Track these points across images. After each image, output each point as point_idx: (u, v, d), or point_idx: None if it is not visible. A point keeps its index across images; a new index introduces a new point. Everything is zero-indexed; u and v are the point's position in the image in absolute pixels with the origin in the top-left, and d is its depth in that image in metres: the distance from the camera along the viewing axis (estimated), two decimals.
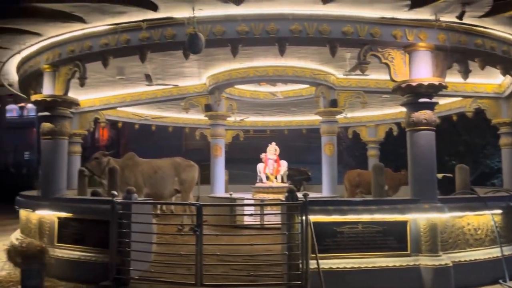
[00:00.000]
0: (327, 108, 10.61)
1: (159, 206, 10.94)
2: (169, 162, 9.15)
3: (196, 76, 10.45)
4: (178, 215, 9.77)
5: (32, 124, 39.59)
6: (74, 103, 7.23)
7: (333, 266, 5.46)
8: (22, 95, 10.12)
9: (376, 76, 9.59)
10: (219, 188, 11.33)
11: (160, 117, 14.92)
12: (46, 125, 6.96)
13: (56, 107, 7.00)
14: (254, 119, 15.81)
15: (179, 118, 15.60)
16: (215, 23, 5.78)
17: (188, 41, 5.36)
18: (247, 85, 11.50)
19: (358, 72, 7.07)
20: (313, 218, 5.39)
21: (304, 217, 5.27)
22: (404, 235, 5.79)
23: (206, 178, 11.79)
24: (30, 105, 40.32)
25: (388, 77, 6.42)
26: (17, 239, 7.31)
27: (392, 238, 5.75)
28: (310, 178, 15.17)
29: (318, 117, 11.34)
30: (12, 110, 42.76)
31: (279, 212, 6.42)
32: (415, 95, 6.06)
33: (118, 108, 13.12)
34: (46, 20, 5.79)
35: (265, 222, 9.08)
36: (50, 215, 6.72)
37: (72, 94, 7.28)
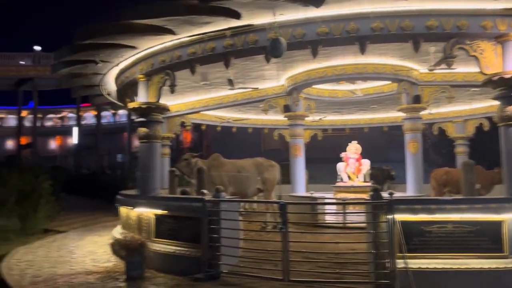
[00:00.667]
0: (410, 104, 10.27)
1: (242, 204, 11.36)
2: (252, 162, 9.53)
3: (275, 78, 10.70)
4: (261, 213, 10.06)
5: (123, 129, 42.88)
6: (165, 109, 7.83)
7: (422, 266, 5.34)
8: (119, 103, 11.11)
9: (463, 69, 9.12)
10: (300, 187, 11.47)
11: (240, 119, 15.42)
12: (142, 130, 7.62)
13: (150, 113, 7.63)
14: (332, 118, 15.71)
15: (258, 119, 16.03)
16: (296, 27, 5.94)
17: (270, 46, 5.58)
18: (325, 84, 11.50)
19: (443, 66, 6.79)
20: (399, 217, 5.33)
21: (390, 216, 5.22)
22: (500, 236, 5.48)
23: (285, 177, 12.01)
24: (122, 112, 43.77)
25: (477, 70, 6.12)
26: (120, 234, 8.06)
27: (486, 239, 5.47)
28: (394, 177, 14.72)
29: (400, 114, 11.01)
30: (106, 117, 46.70)
31: (363, 211, 6.40)
32: (509, 88, 5.71)
33: (202, 112, 13.85)
34: (141, 34, 6.36)
35: (347, 221, 9.07)
36: (147, 212, 7.35)
37: (161, 101, 7.89)
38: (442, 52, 5.99)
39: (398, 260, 5.24)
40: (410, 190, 10.44)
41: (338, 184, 11.19)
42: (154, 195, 7.41)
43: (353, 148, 11.27)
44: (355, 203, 7.85)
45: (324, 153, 22.26)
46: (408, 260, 5.25)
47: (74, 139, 36.04)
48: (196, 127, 30.88)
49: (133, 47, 7.05)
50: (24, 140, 31.52)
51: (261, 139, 28.04)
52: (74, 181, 27.07)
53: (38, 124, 49.60)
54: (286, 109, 11.47)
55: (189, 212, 6.62)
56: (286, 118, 11.93)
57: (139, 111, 7.64)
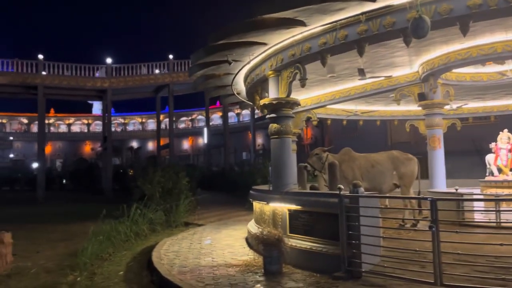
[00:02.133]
0: None
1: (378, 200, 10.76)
2: (386, 156, 8.94)
3: (407, 65, 9.91)
4: (399, 209, 9.38)
5: (247, 128, 44.75)
6: (296, 104, 7.75)
7: None
8: (248, 102, 11.44)
9: None
10: (440, 182, 10.47)
11: (367, 111, 14.75)
12: (273, 126, 7.65)
13: (280, 109, 7.63)
14: (473, 105, 14.10)
15: (387, 111, 15.14)
16: (440, 2, 5.31)
17: (412, 26, 5.07)
18: (467, 68, 10.30)
19: None
20: None
21: None
22: None
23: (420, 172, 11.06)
24: (245, 112, 45.70)
25: None
26: (257, 228, 8.22)
27: None
28: None
29: None
30: (231, 117, 49.26)
31: None
32: None
33: (328, 106, 13.55)
34: (272, 29, 6.35)
35: (502, 221, 7.96)
36: (281, 207, 7.36)
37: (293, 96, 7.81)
38: None
39: None
40: None
41: (487, 178, 9.93)
42: (287, 190, 7.39)
43: (505, 138, 9.86)
44: None
45: (463, 145, 20.19)
46: None
47: (204, 139, 38.60)
48: (318, 123, 30.70)
49: (263, 44, 7.10)
50: (162, 142, 34.78)
51: (387, 132, 26.62)
52: (206, 178, 28.97)
53: (173, 126, 54.64)
54: (421, 97, 10.55)
55: (325, 208, 6.42)
56: (421, 108, 10.99)
57: (270, 107, 7.69)
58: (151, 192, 13.58)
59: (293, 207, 7.12)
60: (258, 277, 6.29)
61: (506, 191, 9.23)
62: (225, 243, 9.28)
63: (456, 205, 8.66)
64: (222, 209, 16.90)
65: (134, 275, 7.46)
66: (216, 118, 52.56)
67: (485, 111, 14.60)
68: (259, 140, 45.65)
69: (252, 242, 8.08)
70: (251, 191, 9.22)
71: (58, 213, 17.53)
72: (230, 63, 7.62)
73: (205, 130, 35.72)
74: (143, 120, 60.81)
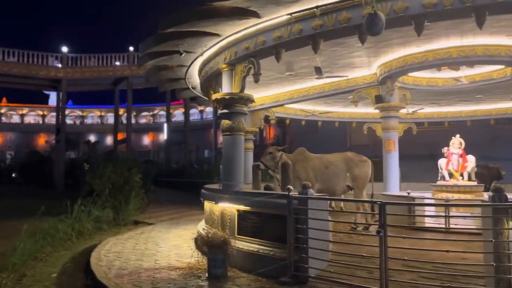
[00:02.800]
0: None
1: (328, 202, 10.65)
2: (340, 157, 8.78)
3: (365, 66, 9.84)
4: (351, 213, 9.28)
5: (210, 125, 44.15)
6: (249, 100, 7.43)
7: None
8: (203, 96, 11.04)
9: None
10: (393, 185, 10.45)
11: (326, 112, 14.68)
12: (225, 122, 7.30)
13: (233, 105, 7.29)
14: (429, 110, 14.31)
15: (345, 112, 15.15)
16: (396, 0, 5.15)
17: (367, 22, 4.87)
18: (424, 72, 10.36)
19: None
20: None
21: None
22: None
23: (376, 175, 11.03)
24: (208, 109, 45.13)
25: None
26: (203, 229, 7.86)
27: None
28: (502, 176, 12.97)
29: (508, 105, 9.45)
30: (194, 114, 48.46)
31: (477, 214, 5.41)
32: None
33: (287, 105, 13.35)
34: (224, 18, 6.01)
35: (452, 226, 7.98)
36: (230, 208, 7.02)
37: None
38: None
39: None
40: None
41: (438, 183, 9.99)
42: (237, 190, 7.06)
43: (457, 143, 9.97)
44: (470, 205, 6.78)
45: (417, 149, 20.57)
46: None
47: (164, 135, 37.77)
48: (279, 123, 30.59)
49: (216, 35, 6.75)
50: (120, 136, 33.68)
51: (347, 134, 26.89)
52: (164, 175, 28.23)
53: (133, 121, 53.19)
54: (378, 99, 10.51)
55: (273, 209, 6.14)
56: (378, 110, 10.96)
57: (222, 102, 7.34)
58: (100, 188, 12.89)
59: (242, 207, 6.79)
60: (200, 281, 5.93)
61: (456, 196, 9.30)
62: (173, 243, 8.85)
63: (408, 209, 8.63)
64: (177, 207, 16.40)
65: (68, 277, 6.91)
66: (178, 114, 51.53)
67: (440, 116, 14.88)
68: (222, 138, 45.13)
69: (199, 243, 7.69)
70: (202, 190, 8.84)
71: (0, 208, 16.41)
72: (181, 54, 7.22)
73: (165, 125, 34.96)
74: (102, 114, 58.78)
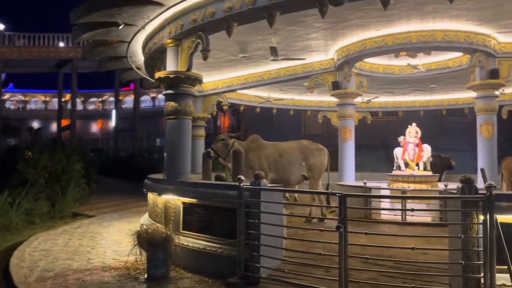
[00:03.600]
0: (485, 80, 8.72)
1: (282, 194, 10.14)
2: (295, 145, 8.24)
3: (322, 50, 9.36)
4: (305, 205, 8.83)
5: (162, 113, 42.58)
6: (197, 80, 6.69)
7: None
8: (148, 78, 10.12)
9: None
10: (349, 175, 10.12)
11: (281, 100, 14.18)
12: (170, 104, 6.53)
13: (179, 85, 6.52)
14: (384, 99, 14.15)
15: (300, 100, 14.71)
16: None
17: None
18: (381, 59, 10.05)
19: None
20: (501, 218, 3.96)
21: (488, 216, 3.86)
22: None
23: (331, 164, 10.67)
24: (161, 96, 43.48)
25: None
26: (144, 224, 7.09)
27: None
28: (453, 166, 13.05)
29: (462, 95, 9.32)
30: (146, 101, 46.71)
31: (448, 208, 5.06)
32: None
33: (241, 91, 12.70)
34: None
35: (408, 216, 7.73)
36: (175, 200, 6.30)
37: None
38: None
39: (498, 275, 3.89)
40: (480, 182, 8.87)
41: (394, 172, 9.76)
42: (182, 180, 6.34)
43: (413, 132, 9.74)
44: (438, 197, 6.44)
45: (369, 140, 20.56)
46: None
47: (113, 122, 36.00)
48: (234, 111, 29.91)
49: (159, 4, 5.93)
50: (65, 123, 31.65)
51: (301, 123, 26.59)
52: (112, 164, 26.86)
53: (81, 107, 50.58)
54: (335, 86, 10.09)
55: (222, 201, 5.50)
56: (334, 97, 10.54)
57: (166, 81, 6.54)
58: (34, 177, 11.70)
59: (188, 199, 6.10)
60: (137, 284, 5.21)
61: (412, 186, 9.09)
62: (112, 239, 8.02)
63: (364, 200, 8.29)
64: (122, 198, 15.38)
65: None
66: (129, 101, 49.34)
67: (393, 106, 14.77)
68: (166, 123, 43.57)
69: (140, 239, 6.91)
70: (145, 180, 8.04)
71: None
72: (120, 26, 6.33)
73: (114, 112, 33.27)
74: (47, 99, 55.28)
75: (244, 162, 7.34)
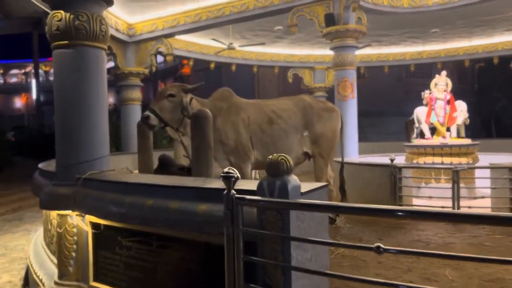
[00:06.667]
0: None
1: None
2: (292, 104, 4.94)
3: None
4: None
5: None
6: None
7: None
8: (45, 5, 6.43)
9: None
10: (352, 148, 7.22)
11: (242, 52, 10.94)
12: (56, 16, 3.12)
13: None
14: (368, 52, 11.39)
15: (265, 53, 11.50)
16: None
17: None
18: None
19: None
20: None
21: None
22: None
23: None
24: None
25: None
26: (46, 254, 3.75)
27: None
28: None
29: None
30: None
31: None
32: None
33: (190, 39, 9.37)
34: None
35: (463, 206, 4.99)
36: (77, 218, 3.00)
37: (126, 13, 3.41)
38: None
39: None
40: None
41: (417, 142, 6.94)
42: (89, 174, 3.02)
43: (442, 83, 6.83)
44: None
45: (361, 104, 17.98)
46: None
47: (33, 94, 31.00)
48: (179, 77, 25.92)
49: None
50: None
51: (254, 87, 23.17)
52: (34, 143, 23.18)
53: (1, 80, 44.25)
54: (329, 20, 7.00)
55: (185, 225, 2.29)
56: (327, 38, 7.42)
57: None
58: None
59: (104, 220, 2.82)
60: None
61: (445, 160, 6.34)
62: None
63: (391, 183, 5.43)
64: None
65: None
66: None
67: (379, 60, 12.04)
68: (110, 99, 38.98)
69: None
70: (34, 175, 4.62)
71: None
72: None
73: (34, 83, 28.26)
74: None
75: (212, 134, 4.04)
